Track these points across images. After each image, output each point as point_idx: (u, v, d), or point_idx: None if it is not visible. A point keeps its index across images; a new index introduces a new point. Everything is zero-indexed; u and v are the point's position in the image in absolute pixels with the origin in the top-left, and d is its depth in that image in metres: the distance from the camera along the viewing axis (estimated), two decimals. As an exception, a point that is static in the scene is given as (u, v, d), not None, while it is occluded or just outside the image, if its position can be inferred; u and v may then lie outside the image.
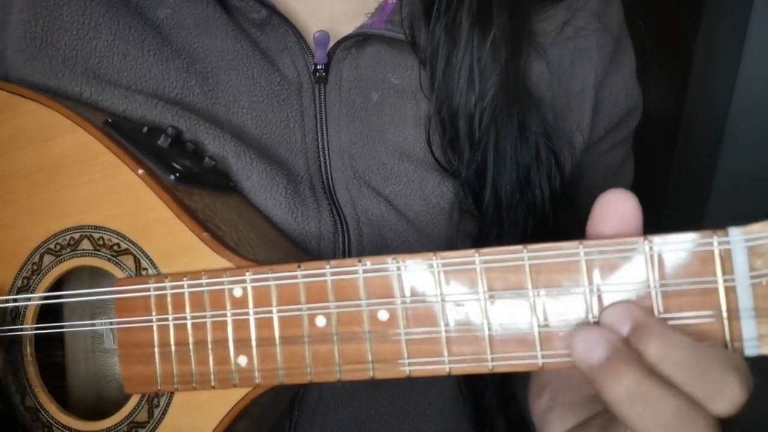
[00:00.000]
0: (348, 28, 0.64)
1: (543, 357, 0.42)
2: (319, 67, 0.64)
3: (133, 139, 0.54)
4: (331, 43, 0.64)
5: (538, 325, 0.42)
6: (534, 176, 0.64)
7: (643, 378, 0.37)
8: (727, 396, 0.37)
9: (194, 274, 0.49)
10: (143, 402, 0.52)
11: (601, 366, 0.38)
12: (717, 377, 0.37)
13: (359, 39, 0.64)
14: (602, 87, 0.69)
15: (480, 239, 0.65)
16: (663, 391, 0.37)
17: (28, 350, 0.56)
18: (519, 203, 0.64)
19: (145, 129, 0.57)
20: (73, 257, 0.54)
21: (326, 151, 0.64)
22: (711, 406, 0.37)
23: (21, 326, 0.56)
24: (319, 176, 0.64)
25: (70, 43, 0.60)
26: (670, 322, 0.40)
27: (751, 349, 0.38)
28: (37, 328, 0.56)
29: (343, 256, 0.62)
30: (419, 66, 0.64)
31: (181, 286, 0.49)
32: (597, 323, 0.41)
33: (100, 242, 0.53)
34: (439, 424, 0.71)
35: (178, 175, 0.53)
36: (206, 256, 0.50)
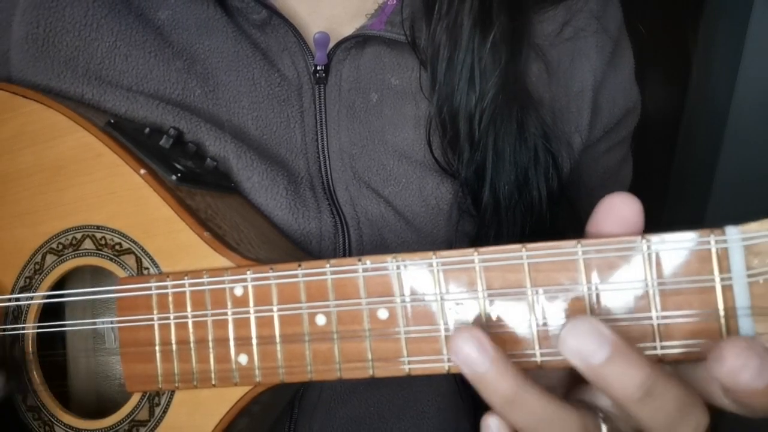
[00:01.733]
0: (348, 29, 0.64)
1: (541, 355, 0.42)
2: (319, 68, 0.64)
3: (135, 139, 0.55)
4: (331, 44, 0.64)
5: (537, 324, 0.42)
6: (532, 177, 0.64)
7: (652, 374, 0.38)
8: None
9: (195, 273, 0.49)
10: (144, 400, 0.52)
11: (604, 366, 0.38)
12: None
13: (359, 40, 0.64)
14: (601, 88, 0.69)
15: (478, 239, 0.65)
16: (669, 383, 0.38)
17: (30, 349, 0.56)
18: (517, 203, 0.64)
19: (147, 130, 0.57)
20: (75, 257, 0.55)
21: (326, 152, 0.64)
22: None
23: (23, 325, 0.56)
24: (319, 176, 0.64)
25: (72, 45, 0.61)
26: (668, 321, 0.40)
27: (747, 348, 0.39)
28: (39, 327, 0.56)
29: (344, 256, 0.63)
30: (419, 67, 0.64)
31: (183, 285, 0.49)
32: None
33: (102, 242, 0.53)
34: (437, 422, 0.71)
35: (179, 175, 0.53)
36: (207, 256, 0.50)
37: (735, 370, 0.36)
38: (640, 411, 0.39)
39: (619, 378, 0.38)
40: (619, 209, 0.41)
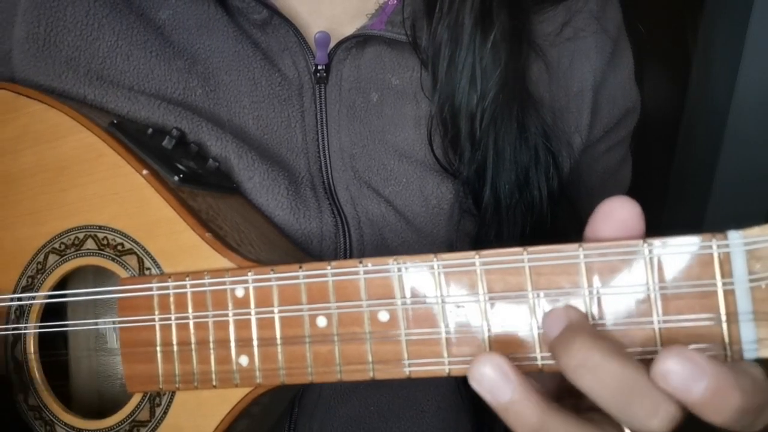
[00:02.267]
0: (349, 29, 0.64)
1: (542, 359, 0.42)
2: (319, 67, 0.64)
3: (137, 140, 0.55)
4: (332, 44, 0.64)
5: (538, 327, 0.42)
6: (533, 176, 0.64)
7: (585, 344, 0.38)
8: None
9: (197, 274, 0.49)
10: (145, 401, 0.53)
11: (555, 339, 0.40)
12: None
13: (360, 40, 0.64)
14: (601, 88, 0.69)
15: (479, 239, 0.65)
16: (607, 359, 0.37)
17: (32, 348, 0.56)
18: (518, 203, 0.64)
19: (150, 130, 0.57)
20: (77, 257, 0.55)
21: (327, 152, 0.64)
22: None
23: (25, 324, 0.56)
24: (319, 176, 0.64)
25: (73, 44, 0.61)
26: (670, 326, 0.40)
27: (750, 353, 0.39)
28: (41, 327, 0.56)
29: (345, 256, 0.63)
30: (420, 66, 0.64)
31: (184, 286, 0.49)
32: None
33: (104, 242, 0.53)
34: (438, 421, 0.71)
35: (182, 176, 0.53)
36: (209, 257, 0.50)
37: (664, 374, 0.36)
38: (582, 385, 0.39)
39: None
40: (619, 213, 0.41)
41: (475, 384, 0.40)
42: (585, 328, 0.39)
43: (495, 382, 0.39)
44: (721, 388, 0.36)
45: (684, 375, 0.36)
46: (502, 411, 0.40)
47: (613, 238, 0.41)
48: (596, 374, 0.37)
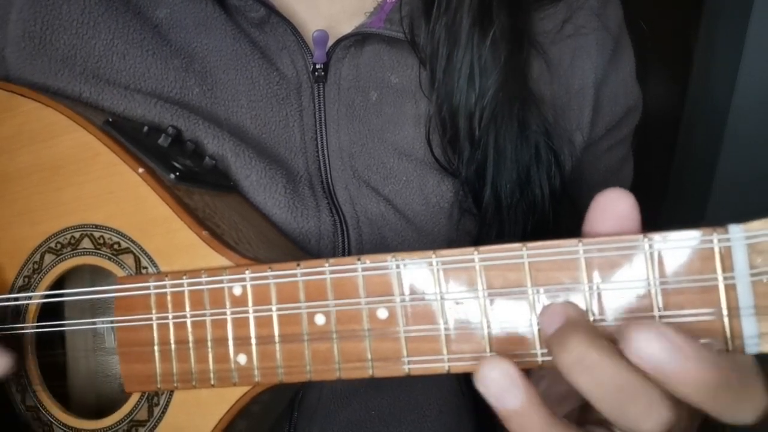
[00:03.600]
0: (347, 28, 0.64)
1: (542, 355, 0.42)
2: (318, 66, 0.64)
3: (133, 138, 0.54)
4: (330, 43, 0.64)
5: (538, 324, 0.42)
6: (534, 175, 0.64)
7: (583, 342, 0.37)
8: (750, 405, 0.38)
9: (194, 273, 0.49)
10: (143, 400, 0.52)
11: (553, 335, 0.39)
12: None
13: (358, 38, 0.64)
14: (602, 85, 0.69)
15: (480, 238, 0.65)
16: (605, 358, 0.37)
17: (29, 349, 0.56)
18: (519, 202, 0.64)
19: (146, 128, 0.57)
20: (73, 256, 0.54)
21: (325, 151, 0.64)
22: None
23: (22, 325, 0.56)
24: (318, 175, 0.64)
25: (69, 43, 0.60)
26: (670, 320, 0.39)
27: (751, 347, 0.38)
28: (38, 327, 0.56)
29: (343, 256, 0.62)
30: (419, 65, 0.64)
31: (181, 285, 0.49)
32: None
33: (101, 241, 0.53)
34: (439, 426, 0.71)
35: (178, 174, 0.53)
36: (206, 255, 0.50)
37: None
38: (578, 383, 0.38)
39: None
40: (614, 207, 0.41)
41: (482, 388, 0.39)
42: (583, 325, 0.39)
43: (502, 389, 0.39)
44: (689, 357, 0.36)
45: (653, 344, 0.36)
46: (506, 418, 0.39)
47: (610, 231, 0.40)
48: (592, 372, 0.37)
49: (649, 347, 0.36)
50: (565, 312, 0.40)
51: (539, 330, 0.42)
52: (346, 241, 0.62)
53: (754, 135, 1.26)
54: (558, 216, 0.65)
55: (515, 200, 0.64)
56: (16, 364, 0.52)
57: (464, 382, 0.71)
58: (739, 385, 0.37)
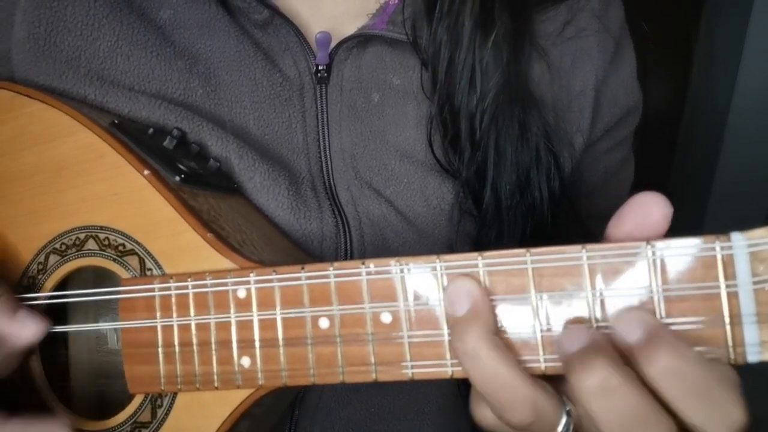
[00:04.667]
0: (350, 29, 0.64)
1: (545, 361, 0.42)
2: (320, 67, 0.64)
3: (138, 140, 0.54)
4: (333, 44, 0.64)
5: (541, 329, 0.42)
6: (534, 177, 0.64)
7: (606, 368, 0.38)
8: (728, 419, 0.38)
9: (198, 275, 0.49)
10: (146, 402, 0.52)
11: (574, 355, 0.39)
12: (720, 398, 0.38)
13: (361, 40, 0.64)
14: (603, 87, 0.69)
15: (480, 239, 0.65)
16: (625, 386, 0.38)
17: (34, 349, 0.56)
18: (519, 204, 0.64)
19: (151, 130, 0.57)
20: (78, 257, 0.54)
21: (327, 152, 0.64)
22: (708, 428, 0.38)
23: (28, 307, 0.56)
24: (320, 177, 0.64)
25: (73, 44, 0.61)
26: (673, 327, 0.40)
27: (753, 355, 0.39)
28: None
29: (345, 257, 0.63)
30: (420, 66, 0.64)
31: (186, 287, 0.49)
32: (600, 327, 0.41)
33: (106, 242, 0.53)
34: (438, 424, 0.71)
35: (183, 176, 0.53)
36: (210, 257, 0.50)
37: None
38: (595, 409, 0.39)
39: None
40: (647, 207, 0.41)
41: (445, 297, 0.43)
42: (607, 350, 0.39)
43: (457, 294, 0.42)
44: (656, 336, 0.38)
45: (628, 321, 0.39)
46: (450, 324, 0.42)
47: (634, 231, 0.41)
48: (611, 396, 0.38)
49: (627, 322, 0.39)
50: (589, 335, 0.40)
51: (556, 343, 0.42)
52: (348, 242, 0.63)
53: (754, 135, 1.26)
54: (557, 218, 0.66)
55: (515, 202, 0.64)
56: (46, 330, 0.52)
57: (463, 382, 0.71)
58: (717, 393, 0.38)
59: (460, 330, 0.42)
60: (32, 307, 0.56)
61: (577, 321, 0.41)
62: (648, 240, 0.40)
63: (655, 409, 0.38)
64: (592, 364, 0.38)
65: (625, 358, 0.39)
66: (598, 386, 0.38)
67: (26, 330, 0.51)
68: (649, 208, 0.41)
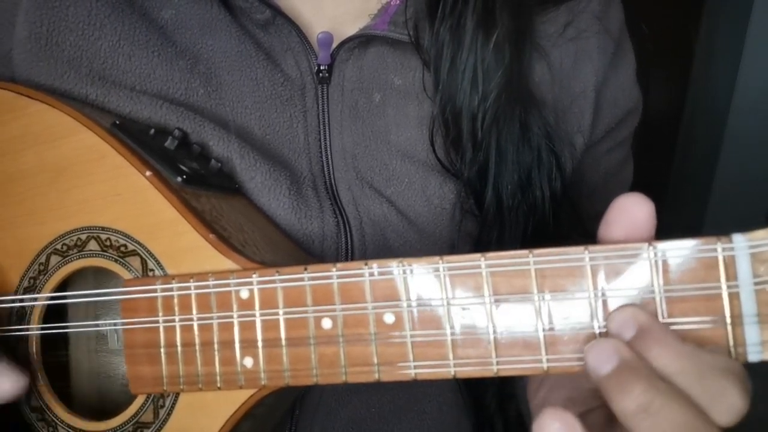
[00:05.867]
0: (351, 29, 0.64)
1: (548, 361, 0.42)
2: (322, 67, 0.64)
3: (140, 140, 0.54)
4: (335, 44, 0.64)
5: (543, 330, 0.42)
6: (535, 177, 0.64)
7: (649, 390, 0.37)
8: (725, 404, 0.38)
9: (201, 276, 0.49)
10: (149, 402, 0.52)
11: (609, 377, 0.39)
12: (714, 385, 0.38)
13: (362, 40, 0.64)
14: (603, 88, 0.69)
15: (481, 240, 0.65)
16: (669, 404, 0.37)
17: (34, 350, 0.56)
18: (520, 204, 0.64)
19: (152, 131, 0.57)
20: (79, 258, 0.54)
21: (329, 152, 0.64)
22: (710, 414, 0.38)
23: (27, 326, 0.56)
24: (321, 177, 0.64)
25: (75, 44, 0.61)
26: (674, 328, 0.40)
27: (754, 355, 0.39)
28: (43, 329, 0.56)
29: (346, 257, 0.63)
30: (422, 67, 0.64)
31: (188, 288, 0.49)
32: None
33: (107, 243, 0.53)
34: (439, 423, 0.71)
35: (185, 177, 0.53)
36: (213, 258, 0.50)
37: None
38: (638, 427, 0.38)
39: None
40: (631, 210, 0.41)
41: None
42: (640, 369, 0.39)
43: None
44: (654, 337, 0.38)
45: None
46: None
47: (623, 234, 0.41)
48: (656, 419, 0.37)
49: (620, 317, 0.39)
50: (619, 350, 0.39)
51: (589, 369, 0.41)
52: (349, 242, 0.63)
53: (754, 135, 1.26)
54: (558, 218, 0.66)
55: (516, 202, 0.64)
56: (27, 385, 0.52)
57: (464, 382, 0.72)
58: (713, 381, 0.38)
59: (620, 384, 0.38)
60: (33, 307, 0.56)
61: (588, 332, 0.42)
62: (649, 241, 0.40)
63: (698, 417, 0.37)
64: (632, 389, 0.38)
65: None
66: (642, 408, 0.37)
67: (3, 385, 0.51)
68: (633, 210, 0.41)
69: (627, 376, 0.38)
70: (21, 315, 0.56)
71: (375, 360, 0.45)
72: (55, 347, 0.62)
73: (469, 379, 0.70)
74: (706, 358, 0.39)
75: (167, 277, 0.50)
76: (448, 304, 0.44)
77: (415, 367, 0.44)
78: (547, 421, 0.39)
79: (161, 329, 0.50)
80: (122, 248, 0.53)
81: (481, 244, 0.65)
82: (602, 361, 0.39)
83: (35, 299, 0.56)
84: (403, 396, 0.69)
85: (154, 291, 0.50)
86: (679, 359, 0.38)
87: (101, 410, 0.59)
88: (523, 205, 0.64)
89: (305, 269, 0.46)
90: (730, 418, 0.38)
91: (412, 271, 0.44)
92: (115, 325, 0.59)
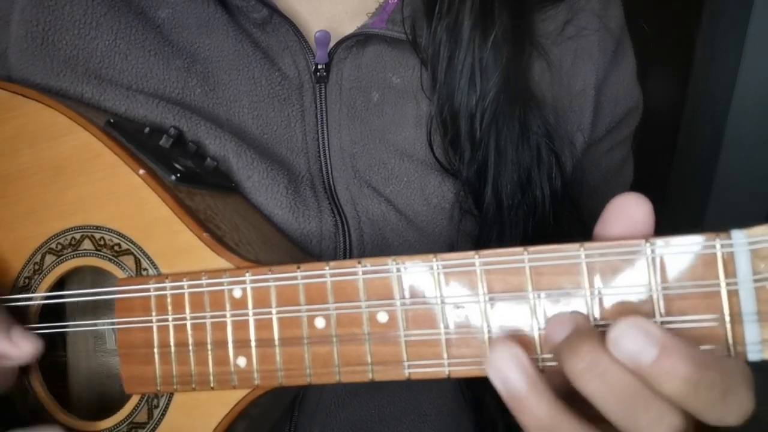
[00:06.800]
0: (349, 28, 0.64)
1: (543, 360, 0.42)
2: (320, 66, 0.64)
3: (134, 139, 0.54)
4: (332, 43, 0.64)
5: (539, 328, 0.42)
6: (535, 176, 0.64)
7: (600, 355, 0.37)
8: (729, 404, 0.38)
9: (194, 275, 0.49)
10: (143, 402, 0.52)
11: (561, 344, 0.39)
12: (717, 384, 0.37)
13: (360, 39, 0.64)
14: (603, 87, 0.69)
15: (481, 239, 0.65)
16: (618, 368, 0.37)
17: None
18: (520, 203, 0.64)
19: (147, 129, 0.56)
20: (74, 257, 0.54)
21: (327, 151, 0.64)
22: (707, 413, 0.38)
23: (24, 326, 0.55)
24: (319, 176, 0.64)
25: (71, 43, 0.60)
26: (673, 326, 0.39)
27: (754, 354, 0.38)
28: (38, 328, 0.55)
29: (345, 256, 0.62)
30: (420, 66, 0.64)
31: (181, 287, 0.49)
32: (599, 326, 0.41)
33: (101, 242, 0.53)
34: (439, 425, 0.71)
35: (179, 175, 0.53)
36: (206, 257, 0.50)
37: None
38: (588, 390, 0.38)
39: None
40: (631, 210, 0.41)
41: (492, 371, 0.40)
42: (593, 333, 0.39)
43: (510, 373, 0.39)
44: (669, 353, 0.36)
45: (635, 340, 0.37)
46: (514, 403, 0.39)
47: (622, 234, 0.40)
48: (604, 379, 0.37)
49: (628, 341, 0.37)
50: (574, 320, 0.40)
51: (545, 336, 0.42)
52: (348, 241, 0.62)
53: (754, 135, 1.26)
54: (558, 217, 0.65)
55: (516, 201, 0.64)
56: (43, 347, 0.53)
57: (464, 383, 0.71)
58: (723, 385, 0.37)
59: (570, 347, 0.39)
60: (28, 307, 0.55)
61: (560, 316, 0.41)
62: (647, 238, 0.40)
63: (641, 383, 0.37)
64: (580, 349, 0.38)
65: None
66: (589, 369, 0.37)
67: (19, 350, 0.51)
68: (631, 210, 0.41)
69: (578, 336, 0.39)
70: (16, 315, 0.56)
71: (369, 359, 0.45)
72: (52, 347, 0.61)
73: (469, 380, 0.70)
74: (711, 359, 0.38)
75: (160, 277, 0.50)
76: (443, 302, 0.43)
77: (409, 367, 0.44)
78: (495, 354, 0.40)
79: (155, 329, 0.49)
80: (116, 247, 0.53)
81: (481, 244, 0.65)
82: (558, 330, 0.40)
83: (30, 299, 0.55)
84: (403, 398, 0.69)
85: (148, 290, 0.50)
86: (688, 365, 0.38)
87: (99, 410, 0.58)
88: (523, 205, 0.64)
89: (298, 268, 0.46)
90: (737, 417, 0.38)
91: (405, 269, 0.44)
92: (110, 324, 0.59)
